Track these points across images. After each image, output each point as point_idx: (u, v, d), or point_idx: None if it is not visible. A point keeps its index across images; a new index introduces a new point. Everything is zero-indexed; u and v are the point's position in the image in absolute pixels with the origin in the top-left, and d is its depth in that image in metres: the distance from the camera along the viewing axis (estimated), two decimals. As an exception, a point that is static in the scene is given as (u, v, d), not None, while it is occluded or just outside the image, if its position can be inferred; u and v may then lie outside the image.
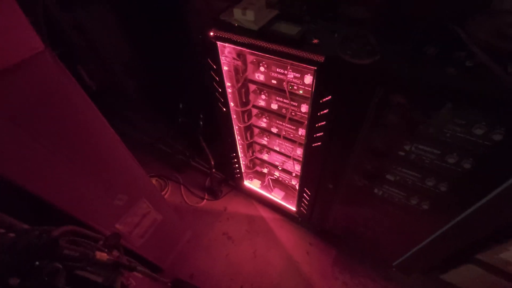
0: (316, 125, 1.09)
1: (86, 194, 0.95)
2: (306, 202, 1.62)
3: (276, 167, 1.84)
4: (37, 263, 0.54)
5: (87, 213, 0.97)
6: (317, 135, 1.13)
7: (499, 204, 0.87)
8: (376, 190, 1.32)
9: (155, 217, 1.40)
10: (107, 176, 1.02)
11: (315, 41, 0.91)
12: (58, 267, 0.59)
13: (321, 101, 0.98)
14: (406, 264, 1.48)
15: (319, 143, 1.16)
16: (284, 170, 1.81)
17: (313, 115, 1.06)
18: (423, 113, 0.87)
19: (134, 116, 2.47)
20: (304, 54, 0.88)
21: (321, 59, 0.86)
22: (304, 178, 1.46)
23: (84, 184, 0.93)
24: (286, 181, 1.94)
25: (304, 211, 1.71)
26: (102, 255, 0.69)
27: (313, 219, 1.73)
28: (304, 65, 0.94)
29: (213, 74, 1.24)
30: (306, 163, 1.35)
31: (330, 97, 0.94)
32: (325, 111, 1.00)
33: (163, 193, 2.18)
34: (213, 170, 1.98)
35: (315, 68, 0.89)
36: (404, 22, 0.87)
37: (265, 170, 2.00)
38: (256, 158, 1.93)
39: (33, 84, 0.71)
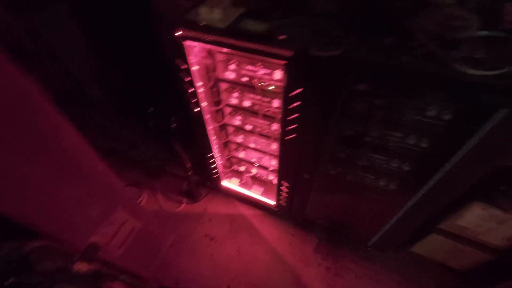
0: (290, 118, 1.13)
1: (56, 205, 0.89)
2: (284, 194, 1.66)
3: (253, 164, 1.86)
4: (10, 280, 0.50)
5: (59, 226, 0.91)
6: (291, 127, 1.17)
7: (452, 176, 0.97)
8: (349, 177, 1.40)
9: (134, 225, 1.35)
10: (78, 186, 0.96)
11: (283, 36, 0.94)
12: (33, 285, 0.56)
13: (293, 94, 1.02)
14: (380, 242, 1.59)
15: (294, 135, 1.20)
16: (261, 166, 1.84)
17: (286, 109, 1.10)
18: (384, 99, 0.95)
19: (100, 123, 2.33)
20: (274, 49, 0.91)
21: (290, 53, 0.90)
22: (281, 171, 1.50)
23: (53, 195, 0.87)
24: (264, 177, 1.97)
25: (284, 204, 1.76)
26: (81, 267, 0.65)
27: (292, 211, 1.78)
28: (274, 61, 0.98)
29: (183, 74, 1.23)
30: (282, 156, 1.39)
31: (301, 89, 0.99)
32: (297, 104, 1.05)
33: (138, 201, 2.09)
34: (190, 172, 1.95)
35: (285, 62, 0.93)
36: (365, 16, 0.95)
37: (242, 168, 2.01)
38: (233, 156, 1.94)
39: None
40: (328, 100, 0.96)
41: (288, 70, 0.95)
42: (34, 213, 0.80)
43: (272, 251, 1.81)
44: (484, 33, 0.81)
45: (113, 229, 1.22)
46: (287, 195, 1.66)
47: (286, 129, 1.19)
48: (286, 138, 1.25)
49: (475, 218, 1.19)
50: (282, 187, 1.63)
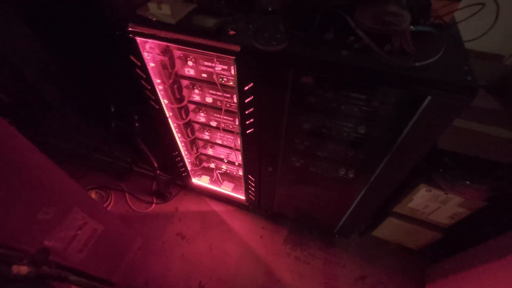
0: (246, 112, 1.15)
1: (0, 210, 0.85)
2: (252, 188, 1.69)
3: (222, 160, 1.87)
4: None
5: (4, 231, 0.87)
6: (249, 122, 1.20)
7: (395, 160, 1.05)
8: (311, 168, 1.46)
9: (94, 228, 1.31)
10: (24, 188, 0.92)
11: (232, 32, 0.96)
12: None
13: (245, 89, 1.04)
14: (344, 229, 1.67)
15: (252, 129, 1.23)
16: (230, 162, 1.86)
17: (241, 103, 1.12)
18: (331, 92, 1.00)
19: (60, 127, 2.22)
20: (221, 44, 0.93)
21: (237, 48, 0.92)
22: (246, 165, 1.53)
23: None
24: (234, 173, 1.99)
25: (253, 198, 1.79)
26: (20, 269, 0.64)
27: (262, 204, 1.82)
28: (227, 56, 0.99)
29: (139, 71, 1.21)
30: (245, 150, 1.41)
31: (252, 84, 1.01)
32: (250, 98, 1.07)
33: (105, 204, 2.03)
34: (158, 172, 1.92)
35: (234, 57, 0.94)
36: (307, 12, 0.98)
37: (212, 165, 2.01)
38: (201, 154, 1.94)
39: None
40: (277, 94, 0.99)
41: (237, 65, 0.97)
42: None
43: (244, 245, 1.84)
44: (413, 28, 0.88)
45: (69, 233, 1.18)
46: (254, 189, 1.69)
47: (245, 123, 1.22)
48: (246, 132, 1.27)
49: (422, 199, 1.29)
50: (249, 181, 1.66)
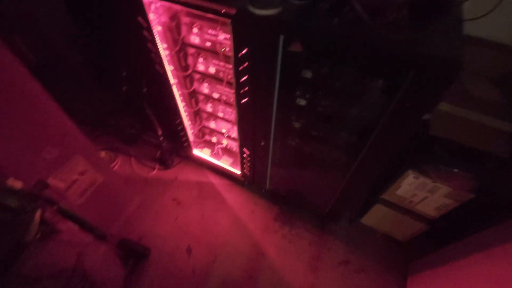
0: (241, 81, 1.19)
1: (4, 140, 0.95)
2: (247, 162, 1.74)
3: (223, 134, 1.93)
4: None
5: (9, 163, 0.98)
6: (243, 91, 1.23)
7: (382, 141, 1.05)
8: (305, 148, 1.48)
9: (95, 177, 1.43)
10: (31, 125, 1.03)
11: (231, -5, 0.99)
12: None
13: (239, 55, 1.08)
14: (332, 212, 1.69)
15: (247, 99, 1.27)
16: (230, 137, 1.92)
17: (236, 70, 1.16)
18: (316, 63, 1.00)
19: (79, 91, 2.37)
20: (218, 6, 0.96)
21: (233, 11, 0.95)
22: (241, 137, 1.58)
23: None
24: (234, 149, 2.05)
25: (247, 173, 1.85)
26: (15, 182, 0.73)
27: (255, 180, 1.87)
28: (225, 20, 1.02)
29: (145, 33, 1.27)
30: (240, 121, 1.46)
31: (246, 49, 1.04)
32: (245, 65, 1.11)
33: (112, 165, 2.17)
34: (161, 138, 2.02)
35: (230, 20, 0.98)
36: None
37: (214, 139, 2.08)
38: (204, 126, 2.01)
39: None
40: (268, 62, 1.02)
41: (233, 29, 1.00)
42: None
43: (234, 217, 1.91)
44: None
45: (72, 176, 1.29)
46: (249, 163, 1.74)
47: (240, 92, 1.26)
48: (241, 102, 1.31)
49: (410, 187, 1.28)
50: (244, 155, 1.71)
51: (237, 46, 1.06)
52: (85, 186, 1.38)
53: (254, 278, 1.64)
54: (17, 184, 0.74)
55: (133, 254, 1.62)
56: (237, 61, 1.12)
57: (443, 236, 1.38)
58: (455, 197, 1.18)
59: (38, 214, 0.79)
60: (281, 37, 0.93)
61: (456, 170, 1.08)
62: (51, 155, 1.14)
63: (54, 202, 0.85)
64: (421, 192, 1.26)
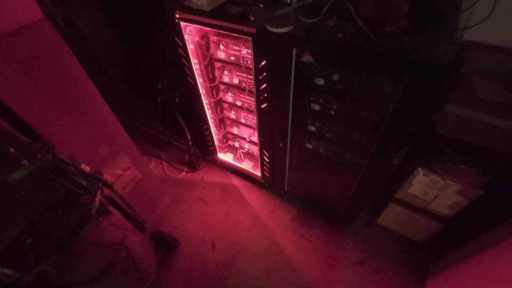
0: (260, 88, 1.37)
1: (73, 136, 1.20)
2: (266, 164, 1.89)
3: (245, 139, 2.11)
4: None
5: (73, 155, 1.22)
6: (263, 97, 1.40)
7: (387, 141, 1.15)
8: (321, 150, 1.60)
9: (135, 174, 1.66)
10: (91, 125, 1.28)
11: (252, 18, 1.19)
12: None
13: (259, 66, 1.26)
14: (348, 212, 1.76)
15: (266, 104, 1.44)
16: (251, 142, 2.09)
17: (256, 79, 1.34)
18: (334, 74, 1.15)
19: (119, 103, 2.71)
20: (241, 27, 1.15)
21: (253, 30, 1.14)
22: (261, 140, 1.74)
23: (71, 128, 1.18)
24: (255, 153, 2.21)
25: (267, 174, 1.99)
26: (85, 167, 0.95)
27: (275, 182, 2.00)
28: (247, 37, 1.22)
29: (180, 51, 1.51)
30: (260, 125, 1.62)
31: (264, 61, 1.22)
32: (264, 74, 1.28)
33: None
34: (190, 143, 2.24)
35: (251, 38, 1.17)
36: (320, 3, 1.16)
37: (236, 144, 2.26)
38: (228, 132, 2.20)
39: (33, 44, 0.97)
40: (284, 71, 1.18)
41: (254, 44, 1.19)
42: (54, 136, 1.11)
43: (255, 216, 2.04)
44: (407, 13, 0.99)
45: (118, 171, 1.53)
46: (268, 165, 1.89)
47: (260, 98, 1.43)
48: (261, 107, 1.49)
49: (421, 185, 1.34)
50: (264, 157, 1.86)
51: (257, 58, 1.24)
52: (127, 181, 1.61)
53: (272, 273, 1.75)
54: (86, 168, 0.96)
55: (165, 245, 1.81)
56: (257, 71, 1.30)
57: (460, 236, 1.41)
58: (466, 194, 1.23)
59: (99, 193, 1.00)
60: (294, 50, 1.09)
61: (463, 166, 1.14)
62: (104, 152, 1.38)
63: (110, 186, 1.06)
64: (433, 190, 1.32)
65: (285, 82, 1.24)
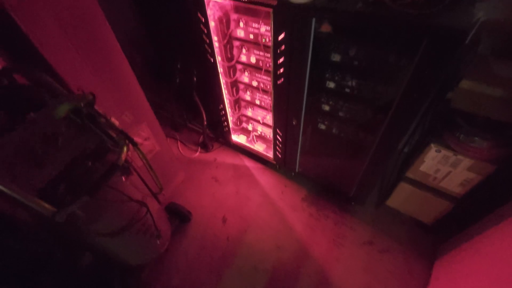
0: (278, 62, 1.41)
1: (104, 98, 1.28)
2: (279, 144, 1.94)
3: (258, 121, 2.16)
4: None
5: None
6: (279, 72, 1.45)
7: (400, 114, 1.18)
8: (334, 130, 1.64)
9: (154, 145, 1.74)
10: (120, 91, 1.36)
11: (274, -9, 1.24)
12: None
13: (279, 39, 1.31)
14: (358, 193, 1.79)
15: (282, 79, 1.48)
16: (265, 124, 2.14)
17: (275, 53, 1.39)
18: (350, 47, 1.19)
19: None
20: (263, -1, 1.21)
21: (274, 2, 1.19)
22: (275, 119, 1.78)
23: (103, 90, 1.27)
24: (268, 136, 2.26)
25: (279, 155, 2.04)
26: (114, 120, 1.02)
27: (286, 162, 2.05)
28: (266, 9, 1.26)
29: (202, 27, 1.58)
30: (275, 102, 1.67)
31: (284, 33, 1.27)
32: (282, 48, 1.33)
33: (162, 146, 2.52)
34: (205, 123, 2.32)
35: (271, 10, 1.22)
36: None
37: (250, 127, 2.32)
38: (242, 115, 2.26)
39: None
40: (302, 43, 1.23)
41: (274, 16, 1.24)
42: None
43: (265, 195, 2.10)
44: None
45: (139, 140, 1.61)
46: (281, 145, 1.94)
47: (277, 73, 1.48)
48: (277, 83, 1.53)
49: (433, 161, 1.35)
50: (277, 136, 1.91)
51: (276, 31, 1.29)
52: (146, 152, 1.69)
53: (281, 248, 1.79)
54: (116, 122, 1.04)
55: (178, 216, 1.89)
56: (276, 45, 1.35)
57: (470, 217, 1.41)
58: (478, 170, 1.24)
59: (125, 147, 1.07)
60: (313, 20, 1.14)
61: (476, 138, 1.15)
62: (128, 119, 1.46)
63: (136, 144, 1.13)
64: (444, 166, 1.34)
65: (303, 57, 1.28)
